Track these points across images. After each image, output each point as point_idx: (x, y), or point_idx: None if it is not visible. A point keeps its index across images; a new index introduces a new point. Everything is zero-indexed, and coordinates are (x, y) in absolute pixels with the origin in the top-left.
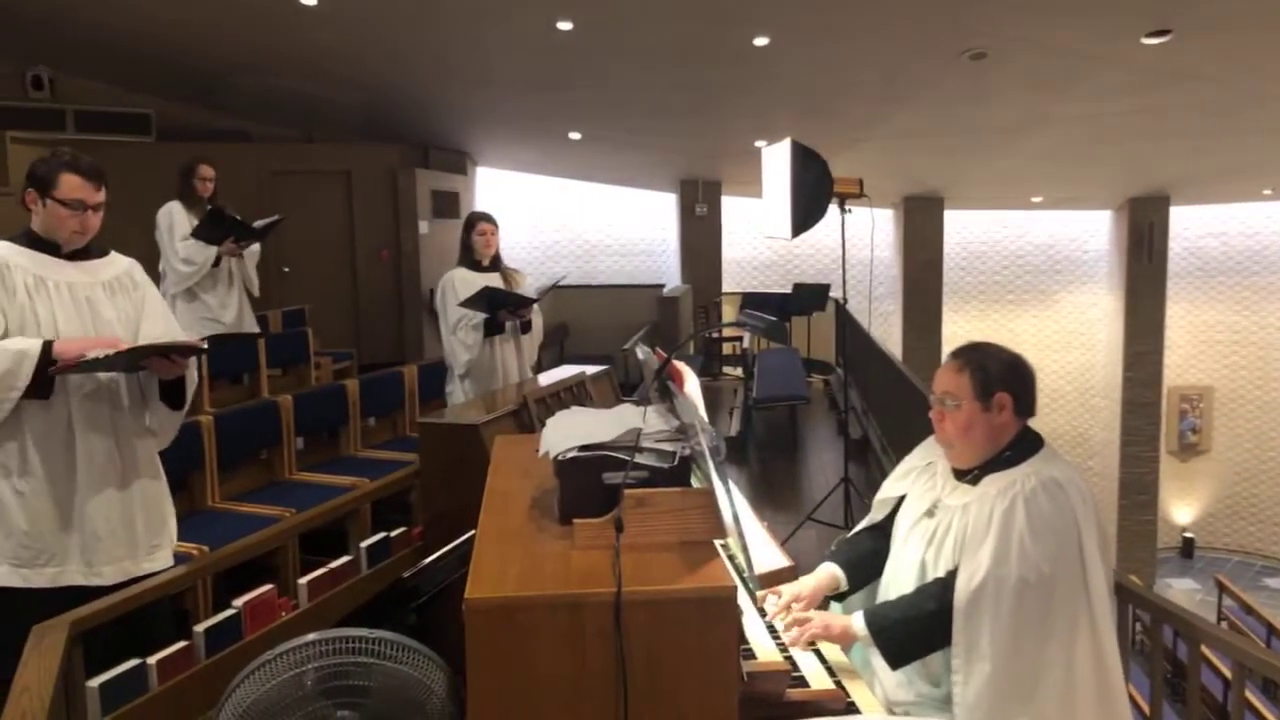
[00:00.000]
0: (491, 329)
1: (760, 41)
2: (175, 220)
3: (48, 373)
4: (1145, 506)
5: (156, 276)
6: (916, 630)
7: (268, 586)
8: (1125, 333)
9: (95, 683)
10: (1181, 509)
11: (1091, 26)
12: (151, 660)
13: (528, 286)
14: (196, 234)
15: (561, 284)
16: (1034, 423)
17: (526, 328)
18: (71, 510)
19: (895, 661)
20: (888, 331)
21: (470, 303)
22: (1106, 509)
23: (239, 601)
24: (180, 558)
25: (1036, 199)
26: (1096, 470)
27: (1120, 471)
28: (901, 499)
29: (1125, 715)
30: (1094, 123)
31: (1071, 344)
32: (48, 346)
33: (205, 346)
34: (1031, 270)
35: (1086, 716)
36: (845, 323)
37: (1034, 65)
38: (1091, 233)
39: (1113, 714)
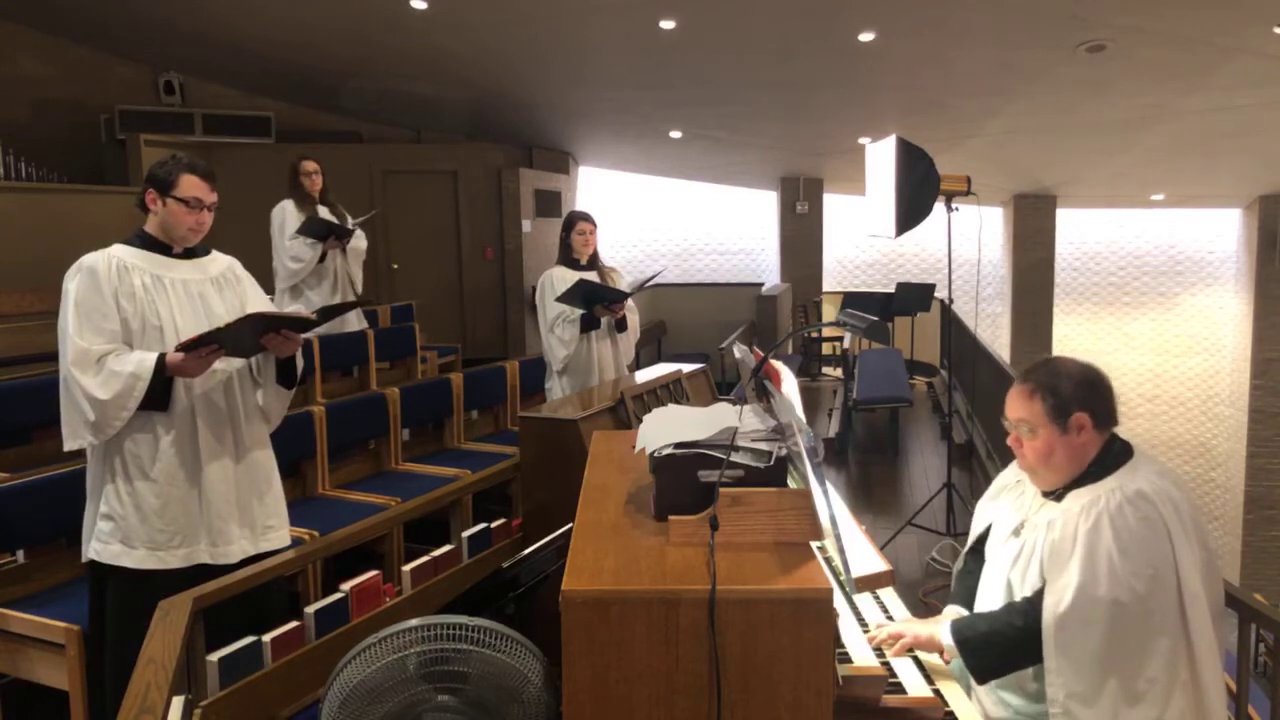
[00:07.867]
0: (588, 325)
1: (865, 37)
2: (287, 219)
3: (165, 375)
4: (1274, 522)
5: (270, 273)
6: (1000, 644)
7: (373, 572)
8: (1254, 338)
9: (215, 656)
10: None
11: (1221, 16)
12: (266, 638)
13: (624, 285)
14: (302, 232)
15: (660, 282)
16: (1155, 431)
17: (622, 326)
18: (198, 494)
19: (980, 676)
20: (995, 334)
21: (566, 297)
22: (1231, 523)
23: (346, 585)
24: (293, 541)
25: (1157, 196)
26: (1220, 482)
27: (1246, 484)
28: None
29: None
30: (1222, 116)
31: (1194, 349)
32: (161, 364)
33: (315, 317)
34: (1150, 271)
35: None
36: (950, 324)
37: (1158, 57)
38: (1218, 232)
39: None
